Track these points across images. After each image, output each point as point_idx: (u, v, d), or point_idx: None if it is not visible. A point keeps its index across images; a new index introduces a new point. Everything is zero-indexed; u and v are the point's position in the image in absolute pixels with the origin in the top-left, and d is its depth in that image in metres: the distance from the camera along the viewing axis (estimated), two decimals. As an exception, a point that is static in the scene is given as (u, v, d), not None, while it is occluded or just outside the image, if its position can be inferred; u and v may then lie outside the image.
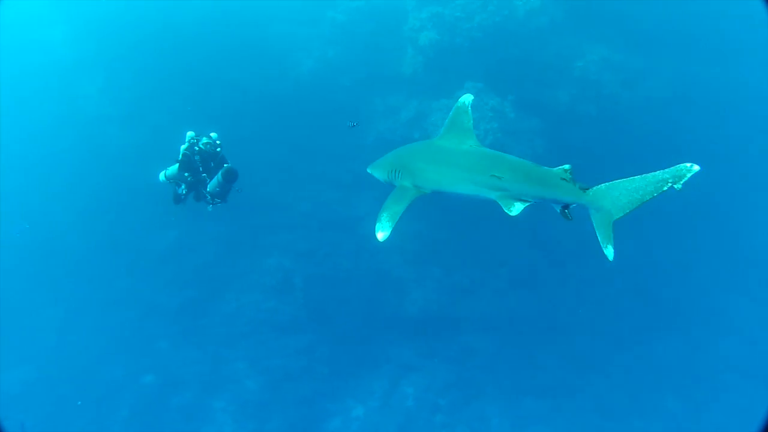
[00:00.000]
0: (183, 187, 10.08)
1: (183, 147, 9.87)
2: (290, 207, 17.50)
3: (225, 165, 9.56)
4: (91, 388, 16.17)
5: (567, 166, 6.07)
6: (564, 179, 6.00)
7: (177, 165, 9.86)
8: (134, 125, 18.87)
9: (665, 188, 5.48)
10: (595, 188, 5.88)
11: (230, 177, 9.41)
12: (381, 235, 6.30)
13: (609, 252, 5.82)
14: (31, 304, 18.09)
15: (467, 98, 6.73)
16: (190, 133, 9.95)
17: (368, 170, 7.61)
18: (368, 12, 18.50)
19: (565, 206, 6.16)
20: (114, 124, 19.21)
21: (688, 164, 5.35)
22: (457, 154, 6.52)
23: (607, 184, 5.80)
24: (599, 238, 5.86)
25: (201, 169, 9.84)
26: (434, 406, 14.50)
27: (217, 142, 9.87)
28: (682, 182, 5.40)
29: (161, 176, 10.27)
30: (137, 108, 19.05)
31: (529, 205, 6.12)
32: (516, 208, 6.10)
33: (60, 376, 16.52)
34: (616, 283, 16.23)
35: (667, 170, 5.46)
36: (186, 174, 9.88)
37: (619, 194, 5.76)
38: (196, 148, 9.81)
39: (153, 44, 18.91)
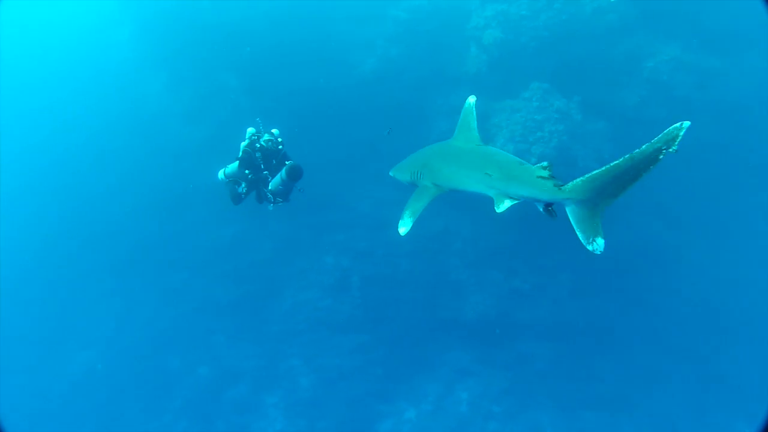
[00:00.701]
0: (243, 185, 9.87)
1: (243, 144, 9.67)
2: (350, 206, 17.53)
3: (287, 162, 9.36)
4: (147, 376, 16.66)
5: (545, 163, 5.93)
6: (541, 177, 5.83)
7: (237, 162, 9.68)
8: (196, 122, 19.18)
9: (661, 157, 5.13)
10: (571, 184, 5.60)
11: (295, 174, 9.16)
12: (402, 229, 6.76)
13: (599, 244, 5.51)
14: (93, 294, 18.67)
15: (472, 99, 7.15)
16: (250, 130, 9.72)
17: (390, 174, 7.90)
18: (431, 10, 18.34)
19: (549, 204, 5.95)
20: (176, 120, 19.57)
21: (678, 123, 4.99)
22: (463, 154, 6.85)
23: (583, 177, 5.49)
24: (580, 234, 5.59)
25: (262, 166, 9.64)
26: (488, 413, 14.24)
27: (279, 139, 9.66)
28: (677, 143, 5.04)
29: (220, 174, 10.11)
30: (199, 105, 19.35)
31: (516, 203, 6.08)
32: (503, 206, 6.10)
33: (118, 363, 17.02)
34: (683, 293, 15.61)
35: (655, 140, 5.09)
36: (246, 171, 9.68)
37: (602, 184, 5.43)
38: (257, 145, 9.59)
39: (215, 41, 19.17)
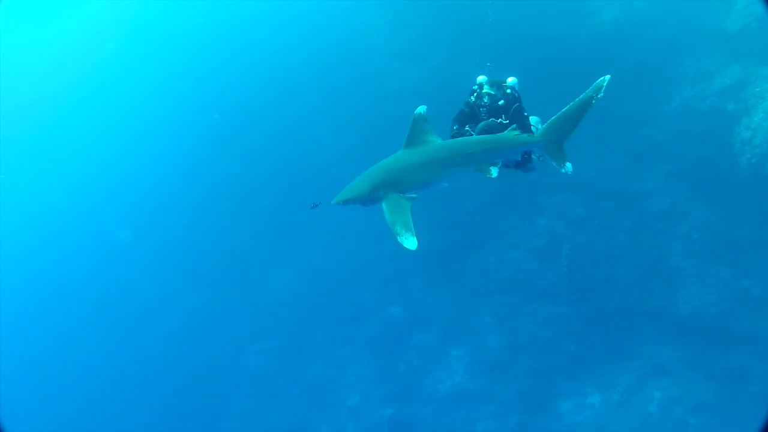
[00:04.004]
0: None
1: (472, 97, 8.51)
2: (574, 169, 16.39)
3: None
4: (341, 305, 17.73)
5: (513, 126, 7.57)
6: (517, 135, 7.42)
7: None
8: (419, 63, 18.95)
9: (594, 102, 7.03)
10: (540, 131, 7.55)
11: None
12: (410, 244, 6.86)
13: (568, 167, 7.46)
14: (303, 219, 19.80)
15: (421, 109, 7.54)
16: (481, 78, 8.49)
17: (335, 202, 7.56)
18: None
19: (525, 153, 7.72)
20: (399, 60, 19.49)
21: (601, 78, 6.95)
22: (430, 152, 7.51)
23: (548, 122, 7.36)
24: (555, 163, 7.52)
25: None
26: (681, 422, 12.99)
27: (508, 91, 8.37)
28: (602, 92, 6.97)
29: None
30: (423, 45, 19.07)
31: (500, 165, 7.46)
32: (494, 171, 7.40)
33: (316, 288, 18.03)
34: None
35: (588, 90, 7.00)
36: (455, 127, 8.48)
37: (560, 124, 7.27)
38: (471, 99, 8.46)
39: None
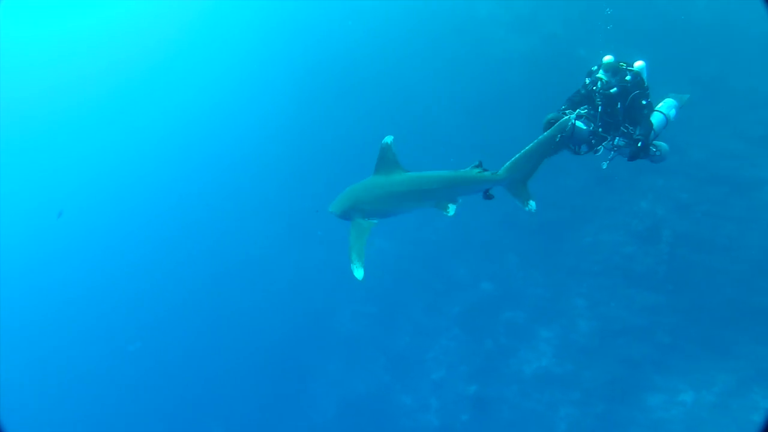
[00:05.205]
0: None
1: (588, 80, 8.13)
2: (682, 152, 15.71)
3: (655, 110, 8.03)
4: (433, 278, 17.75)
5: (477, 162, 7.57)
6: (479, 173, 7.47)
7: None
8: (524, 31, 18.26)
9: (557, 140, 7.39)
10: (503, 168, 7.48)
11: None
12: (357, 274, 7.33)
13: (531, 206, 7.66)
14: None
15: (388, 138, 7.86)
16: (607, 58, 7.88)
17: (330, 210, 8.30)
18: None
19: (487, 190, 7.62)
20: (503, 27, 18.82)
21: (566, 117, 7.38)
22: (393, 184, 7.77)
23: (509, 162, 7.44)
24: (519, 201, 7.69)
25: (599, 109, 7.94)
26: (790, 439, 11.94)
27: (627, 78, 7.74)
28: (567, 131, 7.36)
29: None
30: (531, 13, 18.31)
31: (459, 203, 7.59)
32: (451, 209, 7.59)
33: (409, 258, 18.25)
34: None
35: (551, 129, 7.35)
36: (562, 107, 8.12)
37: (523, 164, 7.45)
38: (587, 80, 8.00)
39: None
